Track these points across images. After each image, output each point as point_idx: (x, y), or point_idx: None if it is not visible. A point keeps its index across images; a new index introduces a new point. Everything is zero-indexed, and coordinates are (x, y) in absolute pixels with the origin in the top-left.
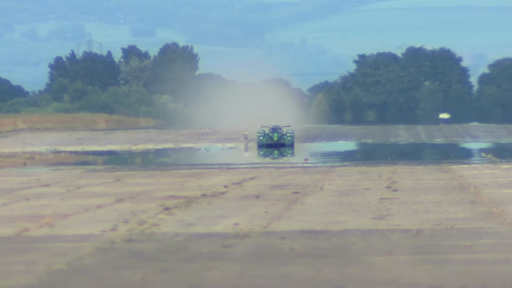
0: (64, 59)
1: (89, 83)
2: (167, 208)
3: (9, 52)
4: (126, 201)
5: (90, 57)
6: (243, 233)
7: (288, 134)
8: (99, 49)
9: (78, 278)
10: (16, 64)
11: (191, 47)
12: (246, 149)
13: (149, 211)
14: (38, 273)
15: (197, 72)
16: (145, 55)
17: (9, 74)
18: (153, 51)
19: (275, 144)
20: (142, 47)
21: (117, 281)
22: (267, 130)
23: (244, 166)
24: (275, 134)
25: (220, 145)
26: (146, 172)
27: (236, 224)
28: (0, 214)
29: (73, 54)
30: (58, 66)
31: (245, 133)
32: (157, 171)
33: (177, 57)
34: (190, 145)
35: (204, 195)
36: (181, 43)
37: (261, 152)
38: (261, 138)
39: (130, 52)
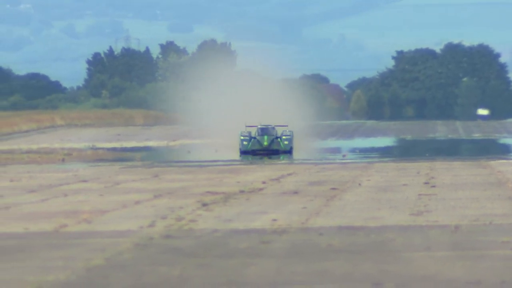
0: (102, 55)
1: (127, 79)
2: (205, 204)
3: (47, 48)
4: (164, 197)
5: (128, 53)
6: (281, 229)
7: (284, 137)
8: (137, 45)
9: (117, 274)
10: (54, 60)
11: (229, 44)
12: None
13: (187, 207)
14: (76, 268)
15: (235, 69)
16: (183, 51)
17: (47, 70)
18: (191, 47)
19: (264, 150)
20: (180, 43)
21: (155, 277)
22: (254, 132)
23: (282, 162)
24: (265, 137)
25: None
26: (184, 168)
27: (274, 220)
28: (38, 210)
29: (111, 50)
30: (96, 62)
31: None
32: (195, 167)
33: (216, 54)
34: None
35: (242, 191)
36: (219, 39)
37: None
38: (245, 143)
39: (168, 48)
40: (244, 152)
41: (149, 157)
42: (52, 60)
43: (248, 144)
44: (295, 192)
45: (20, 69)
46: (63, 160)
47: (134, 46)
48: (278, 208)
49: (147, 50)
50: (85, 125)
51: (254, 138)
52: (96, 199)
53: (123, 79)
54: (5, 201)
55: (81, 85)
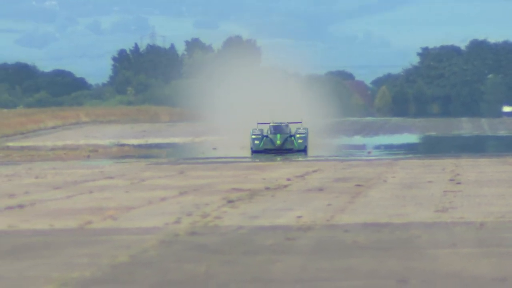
0: (128, 52)
1: (153, 76)
2: (230, 201)
3: (72, 44)
4: (190, 193)
5: (153, 50)
6: (306, 226)
7: (298, 135)
8: (162, 42)
9: (142, 271)
10: (79, 57)
11: (255, 40)
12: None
13: (212, 204)
14: (101, 265)
15: (260, 65)
16: (209, 48)
17: (72, 66)
18: (217, 44)
19: (278, 149)
20: (205, 40)
21: (180, 274)
22: (266, 130)
23: (306, 159)
24: (278, 136)
25: None
26: (210, 164)
27: (299, 217)
28: (64, 206)
29: (136, 47)
30: (122, 59)
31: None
32: (220, 163)
33: (241, 50)
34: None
35: (267, 188)
36: (245, 36)
37: (257, 160)
38: (256, 142)
39: (194, 45)
40: (255, 152)
41: (175, 153)
42: (77, 57)
43: (260, 143)
44: (320, 189)
45: (46, 65)
46: (88, 156)
47: (159, 43)
48: (303, 205)
49: (172, 47)
50: (110, 122)
51: (266, 136)
52: (122, 195)
53: (148, 76)
54: (31, 197)
55: (106, 82)
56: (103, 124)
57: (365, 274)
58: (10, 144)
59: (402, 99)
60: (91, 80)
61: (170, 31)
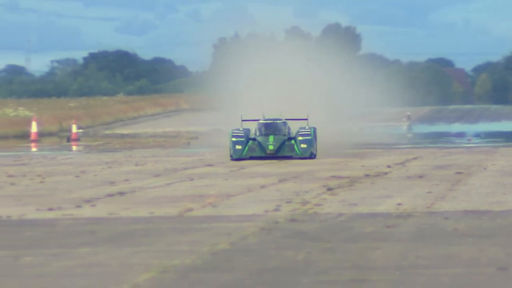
0: (228, 40)
1: None
2: (330, 188)
3: (172, 32)
4: (289, 181)
5: (253, 38)
6: (406, 213)
7: (300, 138)
8: (262, 30)
9: (242, 258)
10: (179, 45)
11: (354, 27)
12: (409, 129)
13: (312, 191)
14: (202, 253)
15: (360, 53)
16: (308, 36)
17: (172, 54)
18: (316, 32)
19: (270, 157)
20: (304, 28)
21: (280, 261)
22: (253, 131)
23: (406, 146)
24: (271, 138)
25: (382, 125)
26: None
27: (399, 204)
28: (163, 194)
29: (236, 35)
30: (222, 47)
31: (408, 113)
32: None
33: (340, 38)
34: (353, 124)
35: (367, 175)
36: (344, 23)
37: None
38: (238, 147)
39: (293, 32)
40: (237, 159)
41: None
42: (177, 45)
43: (244, 148)
44: (420, 176)
45: (146, 53)
46: (188, 144)
47: (259, 31)
48: (403, 192)
49: (272, 35)
50: (210, 109)
51: (254, 139)
52: (222, 183)
53: None
54: (131, 185)
55: (206, 69)
56: (202, 111)
57: (465, 262)
58: (110, 131)
59: (502, 86)
60: (191, 68)
61: (270, 19)
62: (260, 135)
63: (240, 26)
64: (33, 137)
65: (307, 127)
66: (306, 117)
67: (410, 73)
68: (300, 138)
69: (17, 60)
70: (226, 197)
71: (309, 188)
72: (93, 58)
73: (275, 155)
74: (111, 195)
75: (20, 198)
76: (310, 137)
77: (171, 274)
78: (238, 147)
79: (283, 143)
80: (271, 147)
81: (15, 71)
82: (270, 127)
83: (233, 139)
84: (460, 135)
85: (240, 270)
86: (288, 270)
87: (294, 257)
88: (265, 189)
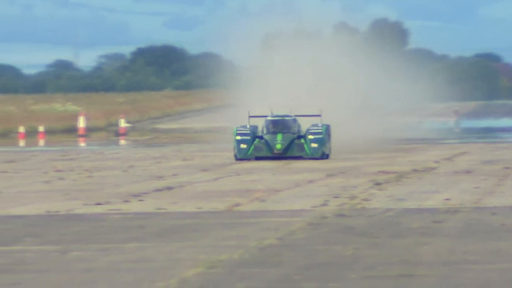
0: (275, 35)
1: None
2: (377, 183)
3: (220, 27)
4: (337, 176)
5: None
6: (454, 208)
7: (311, 136)
8: (309, 25)
9: (289, 253)
10: (227, 40)
11: (402, 22)
12: (457, 124)
13: (359, 186)
14: (249, 247)
15: (407, 48)
16: (355, 31)
17: (220, 49)
18: (363, 27)
19: (278, 157)
20: (352, 23)
21: (327, 256)
22: (260, 128)
23: (454, 141)
24: (279, 136)
25: (430, 120)
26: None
27: (446, 199)
28: (211, 189)
29: (283, 30)
30: (269, 42)
31: (455, 108)
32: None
33: (387, 32)
34: (399, 119)
35: (414, 170)
36: (392, 18)
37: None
38: (242, 146)
39: (340, 28)
40: (241, 159)
41: None
42: (225, 40)
43: (249, 147)
44: (468, 171)
45: (194, 48)
46: None
47: (306, 26)
48: (450, 187)
49: (319, 30)
50: (256, 104)
51: (260, 137)
52: (269, 178)
53: None
54: (179, 180)
55: (253, 64)
56: (248, 106)
57: None
58: (158, 126)
59: None
60: (239, 63)
61: (317, 14)
62: (268, 133)
63: (287, 21)
64: (81, 132)
65: (319, 124)
66: (319, 113)
67: (457, 68)
68: (310, 136)
69: (66, 55)
70: (274, 192)
71: (357, 183)
72: (141, 53)
73: (283, 155)
74: (159, 189)
75: (68, 193)
76: (321, 136)
77: (218, 269)
78: (243, 146)
79: (291, 142)
80: (278, 146)
81: (63, 66)
82: (278, 125)
83: (238, 137)
84: (508, 130)
85: (288, 265)
86: (336, 265)
87: (341, 252)
88: (313, 184)
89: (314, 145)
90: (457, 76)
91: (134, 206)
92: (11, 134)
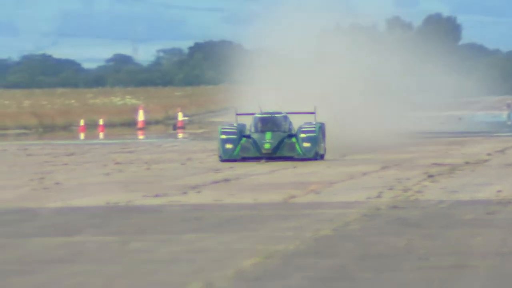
0: (330, 30)
1: None
2: (431, 176)
3: (276, 23)
4: (391, 168)
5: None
6: (506, 200)
7: (303, 135)
8: (363, 20)
9: (344, 244)
10: (283, 35)
11: (455, 17)
12: (509, 117)
13: (413, 178)
14: (305, 238)
15: (460, 42)
16: (409, 26)
17: (276, 45)
18: (417, 22)
19: (266, 158)
20: (405, 18)
21: (381, 247)
22: (249, 126)
23: (506, 134)
24: (268, 135)
25: (483, 113)
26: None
27: (499, 191)
28: (267, 181)
29: (337, 26)
30: (324, 37)
31: (508, 102)
32: (422, 138)
33: (440, 28)
34: (453, 113)
35: (467, 163)
36: (445, 13)
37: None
38: (228, 146)
39: (394, 23)
40: (226, 160)
41: None
42: (281, 35)
43: (235, 147)
44: None
45: (251, 43)
46: None
47: (360, 21)
48: (503, 179)
49: (373, 25)
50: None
51: (248, 136)
52: (324, 170)
53: None
54: (235, 172)
55: (307, 58)
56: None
57: None
58: (215, 119)
59: None
60: (294, 57)
61: (371, 9)
62: (256, 131)
63: (342, 16)
64: (140, 125)
65: (313, 122)
66: (313, 111)
67: (509, 62)
68: (302, 135)
69: (125, 49)
70: (329, 184)
71: (411, 175)
72: (198, 48)
73: (272, 155)
74: (216, 182)
75: (127, 185)
76: (314, 134)
77: (275, 259)
78: (228, 146)
79: (281, 141)
80: (267, 146)
81: (122, 60)
82: (267, 122)
83: (223, 136)
84: None
85: (343, 255)
86: (390, 256)
87: (395, 243)
88: (367, 176)
89: (306, 144)
90: (509, 71)
91: (192, 198)
92: (72, 127)
